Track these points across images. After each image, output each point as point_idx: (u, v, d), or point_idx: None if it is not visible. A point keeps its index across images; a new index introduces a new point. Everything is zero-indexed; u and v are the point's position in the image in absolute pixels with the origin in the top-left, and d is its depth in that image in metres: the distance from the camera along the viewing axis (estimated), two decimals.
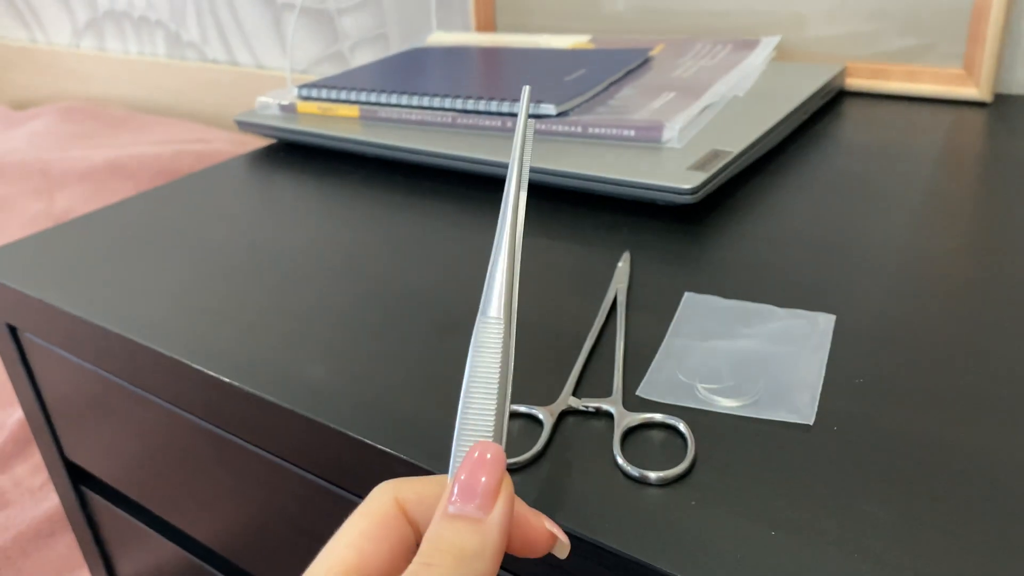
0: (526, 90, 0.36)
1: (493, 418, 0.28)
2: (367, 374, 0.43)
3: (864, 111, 0.73)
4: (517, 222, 0.32)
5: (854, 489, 0.33)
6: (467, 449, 0.27)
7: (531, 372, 0.41)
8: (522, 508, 0.28)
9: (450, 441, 0.29)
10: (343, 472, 0.41)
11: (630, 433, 0.37)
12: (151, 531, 0.62)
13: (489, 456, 0.26)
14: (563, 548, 0.29)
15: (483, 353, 0.30)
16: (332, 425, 0.39)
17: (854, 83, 0.77)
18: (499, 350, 0.30)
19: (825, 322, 0.43)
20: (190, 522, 0.57)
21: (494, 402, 0.29)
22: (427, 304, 0.48)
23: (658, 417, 0.37)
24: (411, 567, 0.24)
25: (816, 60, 0.80)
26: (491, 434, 0.28)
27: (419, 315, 0.47)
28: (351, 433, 0.39)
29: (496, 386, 0.29)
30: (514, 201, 0.32)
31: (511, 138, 0.64)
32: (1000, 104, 0.72)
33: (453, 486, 0.26)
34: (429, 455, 0.37)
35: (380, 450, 0.38)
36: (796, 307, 0.45)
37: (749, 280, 0.48)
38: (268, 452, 0.46)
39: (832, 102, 0.77)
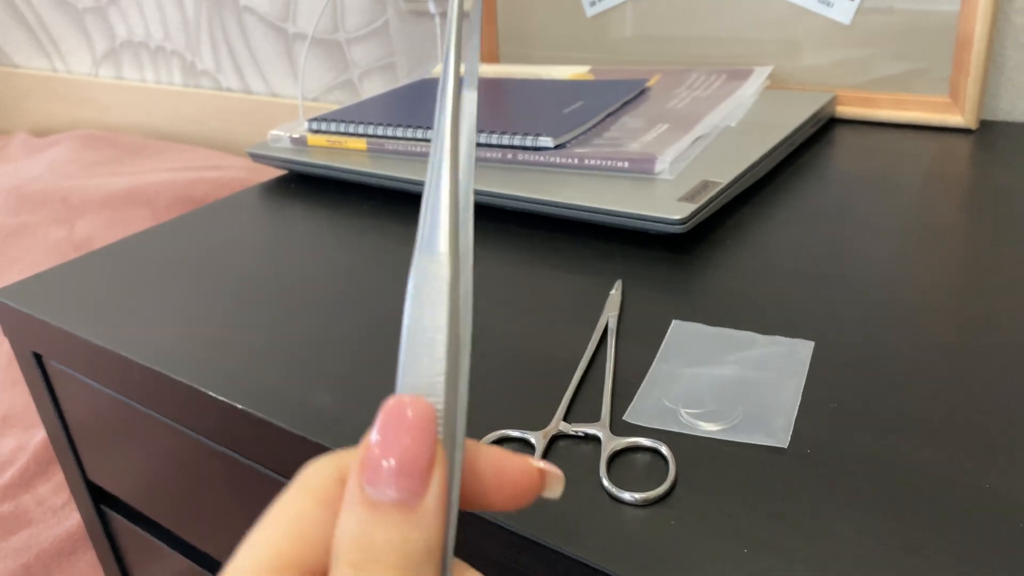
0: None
1: (444, 381, 0.21)
2: (374, 402, 0.45)
3: (853, 139, 0.76)
4: (460, 131, 0.24)
5: (824, 510, 0.35)
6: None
7: (525, 397, 0.44)
8: (491, 454, 0.22)
9: None
10: None
11: (616, 456, 0.40)
12: (169, 549, 0.64)
13: (410, 414, 0.19)
14: (556, 483, 0.23)
15: (426, 299, 0.21)
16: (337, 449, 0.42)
17: (844, 111, 0.80)
18: (446, 293, 0.21)
19: (803, 349, 0.46)
20: (206, 540, 0.60)
21: (443, 362, 0.21)
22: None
23: (643, 441, 0.40)
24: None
25: (809, 88, 0.83)
26: (440, 403, 0.21)
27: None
28: None
29: (445, 342, 0.21)
30: (452, 103, 0.24)
31: (511, 170, 0.67)
32: (985, 131, 0.75)
33: (370, 457, 0.19)
34: None
35: None
36: (777, 334, 0.47)
37: (734, 308, 0.50)
38: (279, 475, 0.49)
39: (823, 129, 0.79)
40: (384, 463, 0.18)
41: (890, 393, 0.42)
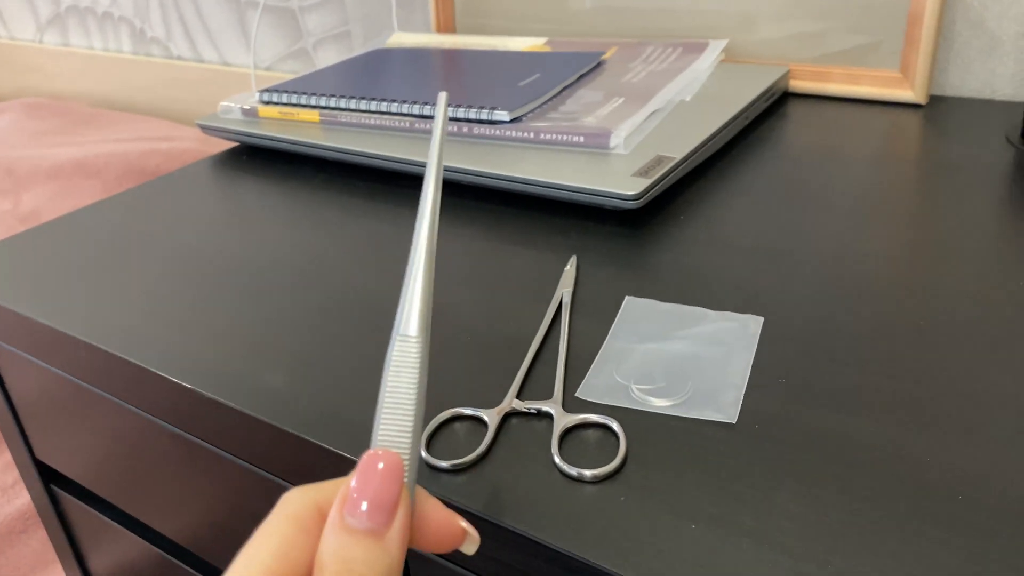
0: (442, 97, 0.37)
1: (410, 438, 0.28)
2: (329, 382, 0.45)
3: (806, 113, 0.77)
4: (434, 234, 0.32)
5: (770, 484, 0.36)
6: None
7: (479, 375, 0.44)
8: (432, 505, 0.28)
9: None
10: (307, 477, 0.44)
11: (568, 433, 0.40)
12: (122, 528, 0.64)
13: (382, 466, 0.25)
14: (472, 543, 0.29)
15: (401, 372, 0.29)
16: (294, 431, 0.42)
17: (798, 85, 0.81)
18: (417, 369, 0.29)
19: (754, 324, 0.46)
20: (160, 520, 0.60)
21: (411, 422, 0.28)
22: (387, 312, 0.51)
23: (594, 417, 0.40)
24: None
25: (763, 61, 0.83)
26: (407, 455, 0.27)
27: (380, 323, 0.50)
28: (313, 439, 0.41)
29: (413, 407, 0.28)
30: (431, 215, 0.33)
31: (467, 143, 0.67)
32: (934, 106, 0.76)
33: (351, 495, 0.24)
34: None
35: (341, 455, 0.40)
36: (729, 310, 0.48)
37: (687, 283, 0.51)
38: (234, 456, 0.48)
39: (776, 103, 0.80)
40: (361, 502, 0.24)
41: (838, 368, 0.42)
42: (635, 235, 0.57)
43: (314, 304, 0.52)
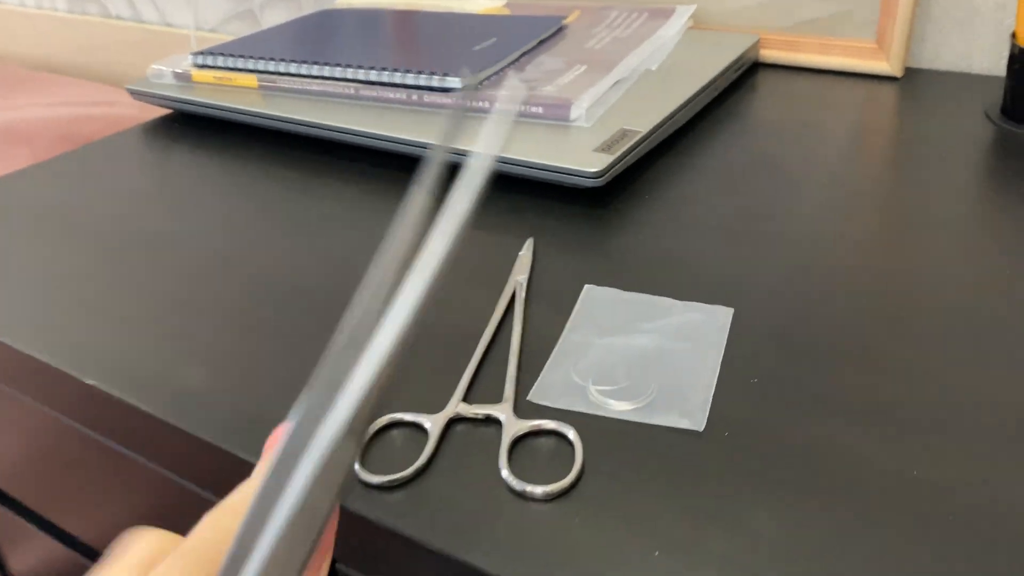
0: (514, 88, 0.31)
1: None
2: (253, 381, 0.40)
3: (777, 85, 0.73)
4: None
5: (742, 502, 0.32)
6: None
7: (421, 374, 0.40)
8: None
9: None
10: (228, 488, 0.39)
11: (519, 442, 0.36)
12: (38, 531, 0.59)
13: None
14: None
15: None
16: (212, 440, 0.37)
17: (768, 55, 0.76)
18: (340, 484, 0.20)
19: (723, 316, 0.42)
20: (75, 522, 0.55)
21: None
22: (322, 300, 0.46)
23: (547, 424, 0.36)
24: None
25: (732, 29, 0.79)
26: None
27: (313, 312, 0.45)
28: (232, 450, 0.37)
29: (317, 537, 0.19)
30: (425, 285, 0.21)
31: (418, 112, 0.62)
32: (910, 78, 0.72)
33: None
34: None
35: None
36: (696, 299, 0.44)
37: (651, 270, 0.47)
38: (150, 461, 0.44)
39: (746, 74, 0.75)
40: None
41: (813, 366, 0.39)
42: (597, 216, 0.53)
43: (242, 291, 0.47)
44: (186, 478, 0.42)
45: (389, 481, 0.34)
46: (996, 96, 0.66)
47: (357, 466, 0.35)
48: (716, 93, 0.68)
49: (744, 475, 0.33)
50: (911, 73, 0.74)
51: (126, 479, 0.47)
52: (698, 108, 0.65)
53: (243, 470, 0.37)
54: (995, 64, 0.72)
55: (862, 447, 0.34)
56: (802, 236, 0.49)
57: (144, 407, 0.39)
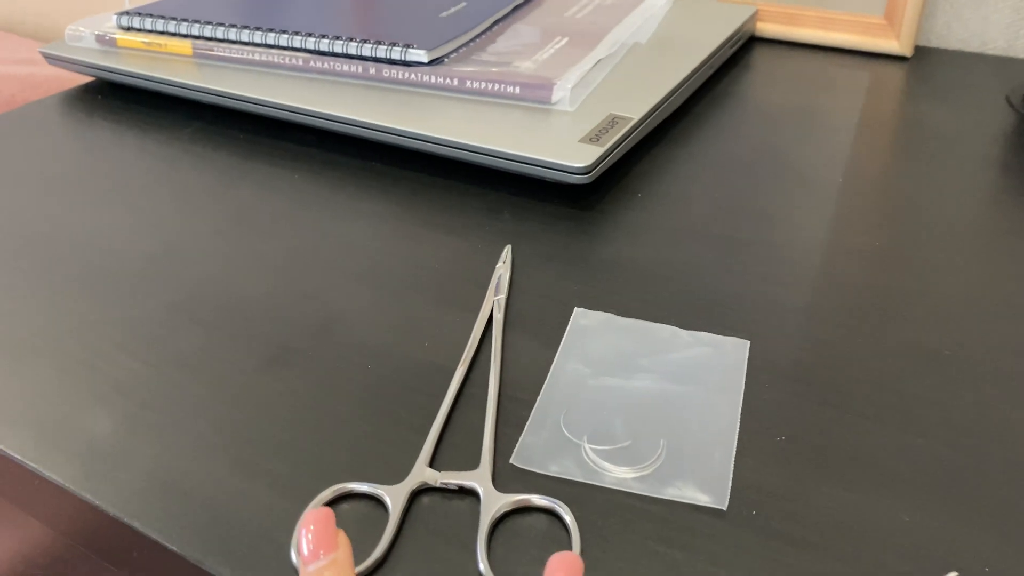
0: None
1: None
2: (166, 428, 0.33)
3: (775, 63, 0.66)
4: None
5: None
6: None
7: (379, 428, 0.33)
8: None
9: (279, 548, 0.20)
10: (134, 567, 0.32)
11: (501, 523, 0.29)
12: None
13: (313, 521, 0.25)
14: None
15: None
16: (110, 511, 0.30)
17: (765, 29, 0.69)
18: None
19: (738, 351, 0.36)
20: None
21: None
22: (257, 318, 0.39)
23: (535, 500, 0.29)
24: None
25: (728, 0, 0.71)
26: None
27: (246, 335, 0.38)
28: (139, 527, 0.29)
29: None
30: None
31: (375, 89, 0.54)
32: (920, 58, 0.66)
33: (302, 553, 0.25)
34: (245, 567, 0.28)
35: (182, 558, 0.29)
36: (703, 324, 0.37)
37: (648, 286, 0.40)
38: (44, 524, 0.36)
39: (742, 50, 0.68)
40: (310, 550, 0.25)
41: (852, 413, 0.32)
42: (583, 218, 0.46)
43: (166, 307, 0.39)
44: (85, 546, 0.34)
45: None
46: (1019, 81, 0.60)
47: (296, 559, 0.28)
48: (711, 72, 0.61)
49: (778, 569, 0.27)
50: (921, 52, 0.67)
51: (18, 539, 0.39)
52: (693, 89, 0.58)
53: (144, 544, 0.29)
54: (1011, 43, 0.66)
55: (929, 531, 0.28)
56: (813, 246, 0.43)
57: (33, 464, 0.32)
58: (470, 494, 0.30)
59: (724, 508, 0.29)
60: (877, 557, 0.27)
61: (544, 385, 0.34)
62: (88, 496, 0.30)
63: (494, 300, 0.39)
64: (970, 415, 0.32)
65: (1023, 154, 0.51)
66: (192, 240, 0.45)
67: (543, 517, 0.29)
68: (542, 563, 0.27)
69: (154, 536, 0.29)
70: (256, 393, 0.34)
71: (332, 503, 0.30)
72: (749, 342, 0.36)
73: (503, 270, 0.41)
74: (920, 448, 0.31)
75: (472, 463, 0.31)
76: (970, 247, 0.42)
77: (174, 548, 0.28)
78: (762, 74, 0.64)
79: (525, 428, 0.32)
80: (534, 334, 0.37)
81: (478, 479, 0.30)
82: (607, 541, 0.28)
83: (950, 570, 0.27)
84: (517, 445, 0.31)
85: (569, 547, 0.28)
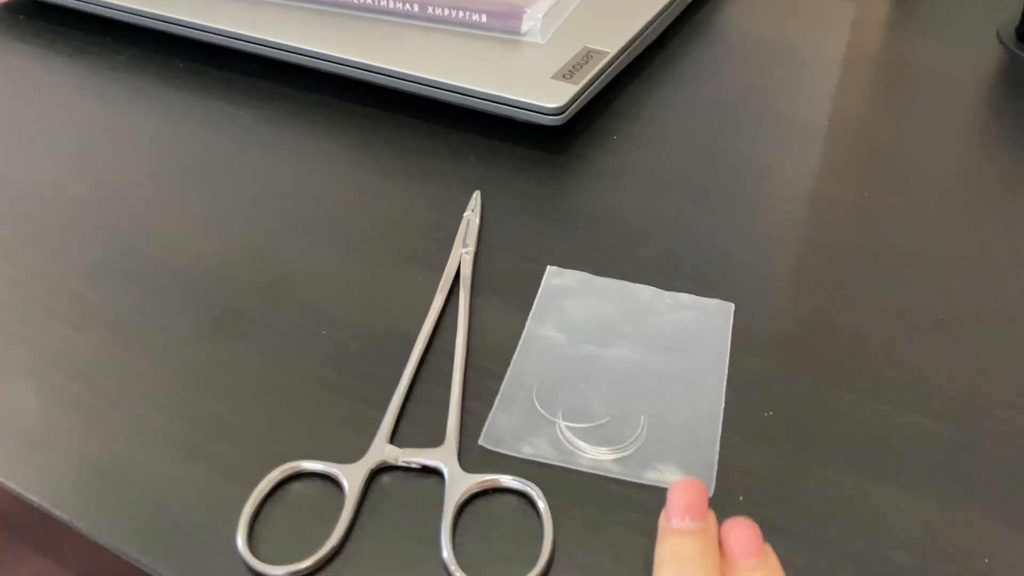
0: None
1: None
2: (98, 405, 0.30)
3: None
4: None
5: None
6: None
7: (334, 401, 0.30)
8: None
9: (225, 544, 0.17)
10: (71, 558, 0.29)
11: (467, 506, 0.27)
12: None
13: (691, 486, 0.25)
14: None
15: None
16: (41, 503, 0.27)
17: None
18: None
19: (720, 314, 0.33)
20: None
21: None
22: (200, 277, 0.35)
23: (505, 481, 0.27)
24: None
25: None
26: None
27: (187, 296, 0.34)
28: (68, 519, 0.27)
29: None
30: None
31: (329, 15, 0.50)
32: None
33: (672, 506, 0.24)
34: (188, 566, 0.25)
35: (118, 556, 0.26)
36: (684, 283, 0.35)
37: (625, 241, 0.37)
38: None
39: None
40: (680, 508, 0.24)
41: (843, 386, 0.30)
42: (556, 163, 0.43)
43: (99, 265, 0.36)
44: (7, 535, 0.31)
45: (291, 573, 0.25)
46: (1010, 15, 0.57)
47: (244, 547, 0.25)
48: (689, 1, 0.57)
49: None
50: None
51: None
52: (670, 20, 0.54)
53: (75, 538, 0.26)
54: None
55: (926, 511, 0.26)
56: (800, 197, 0.40)
57: None
58: (434, 474, 0.28)
59: (710, 495, 0.27)
60: (873, 547, 0.25)
61: (515, 354, 0.31)
62: (11, 484, 0.27)
63: (461, 254, 0.36)
64: (968, 388, 0.31)
65: (1013, 93, 0.49)
66: (126, 185, 0.41)
67: (513, 500, 0.27)
68: (512, 552, 0.25)
69: (85, 530, 0.26)
70: (199, 364, 0.31)
71: (282, 484, 0.27)
72: (734, 305, 0.34)
73: (472, 217, 0.38)
74: (916, 426, 0.29)
75: (436, 440, 0.28)
76: (962, 198, 0.40)
77: (108, 544, 0.26)
78: (739, 4, 0.60)
79: (495, 404, 0.30)
80: (504, 295, 0.34)
81: (443, 457, 0.28)
82: (584, 532, 0.26)
83: (950, 561, 0.25)
84: (486, 424, 0.29)
85: (540, 535, 0.26)
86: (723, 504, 0.27)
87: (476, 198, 0.39)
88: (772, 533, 0.26)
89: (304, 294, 0.34)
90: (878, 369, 0.31)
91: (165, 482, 0.27)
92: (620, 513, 0.26)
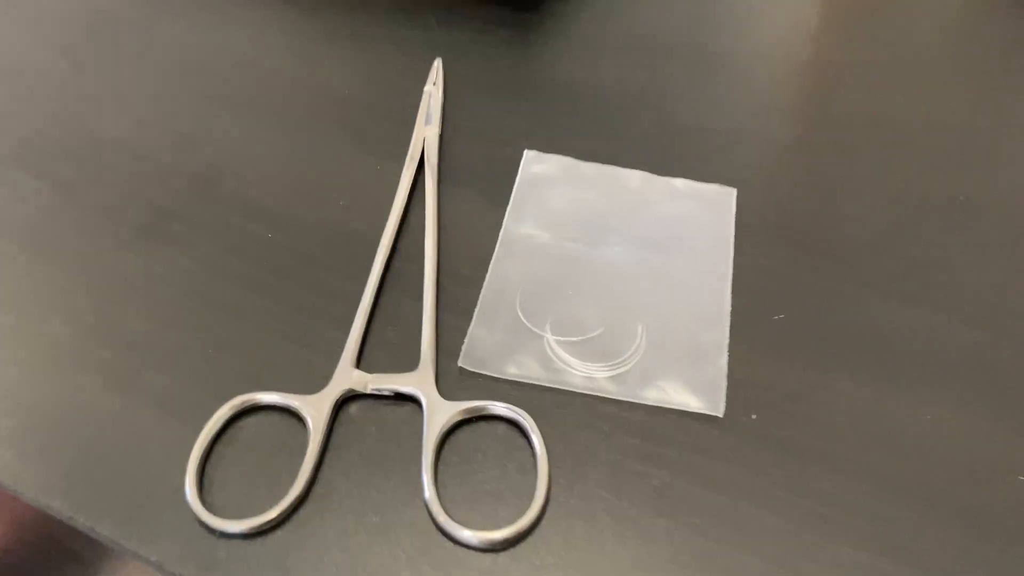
0: None
1: None
2: (10, 333, 0.26)
3: None
4: None
5: (787, 544, 0.22)
6: None
7: (288, 325, 0.26)
8: None
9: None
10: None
11: (450, 435, 0.24)
12: None
13: None
14: None
15: None
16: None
17: None
18: None
19: (721, 202, 0.30)
20: None
21: None
22: (120, 169, 0.30)
23: (493, 407, 0.24)
24: None
25: None
26: None
27: (107, 193, 0.29)
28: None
29: None
30: None
31: None
32: None
33: None
34: (130, 524, 0.22)
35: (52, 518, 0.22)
36: (678, 164, 0.31)
37: (609, 117, 0.33)
38: None
39: None
40: None
41: (855, 282, 0.27)
42: (527, 23, 0.37)
43: (60, 188, 0.31)
44: None
45: (249, 529, 0.22)
46: None
47: (193, 497, 0.22)
48: None
49: (792, 498, 0.23)
50: None
51: None
52: None
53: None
54: None
55: (956, 423, 0.24)
56: (799, 59, 0.36)
57: None
58: (410, 401, 0.24)
59: (720, 415, 0.24)
60: (899, 466, 0.23)
61: (493, 259, 0.28)
62: None
63: (424, 137, 0.31)
64: (993, 282, 0.28)
65: None
66: (29, 61, 0.35)
67: (500, 427, 0.24)
68: (501, 490, 0.22)
69: (3, 481, 0.22)
70: (126, 277, 0.27)
71: (234, 420, 0.24)
72: (736, 191, 0.30)
73: (434, 92, 0.33)
74: (937, 328, 0.26)
75: (409, 362, 0.25)
76: (986, 64, 0.36)
77: (33, 499, 0.22)
78: None
79: (474, 318, 0.26)
80: (476, 185, 0.30)
81: (418, 383, 0.24)
82: (579, 461, 0.23)
83: (981, 482, 0.23)
84: (465, 341, 0.25)
85: (533, 468, 0.23)
86: (734, 426, 0.24)
87: (437, 68, 0.34)
88: (786, 456, 0.23)
89: (243, 189, 0.30)
90: (892, 262, 0.28)
91: (96, 421, 0.23)
92: (619, 438, 0.24)
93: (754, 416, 0.24)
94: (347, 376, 0.24)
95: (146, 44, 0.35)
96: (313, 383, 0.24)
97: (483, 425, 0.24)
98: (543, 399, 0.24)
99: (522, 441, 0.24)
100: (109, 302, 0.26)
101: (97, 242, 0.28)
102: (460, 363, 0.25)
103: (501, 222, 0.29)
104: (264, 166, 0.30)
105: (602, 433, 0.24)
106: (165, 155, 0.31)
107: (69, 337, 0.25)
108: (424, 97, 0.33)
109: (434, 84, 0.34)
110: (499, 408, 0.24)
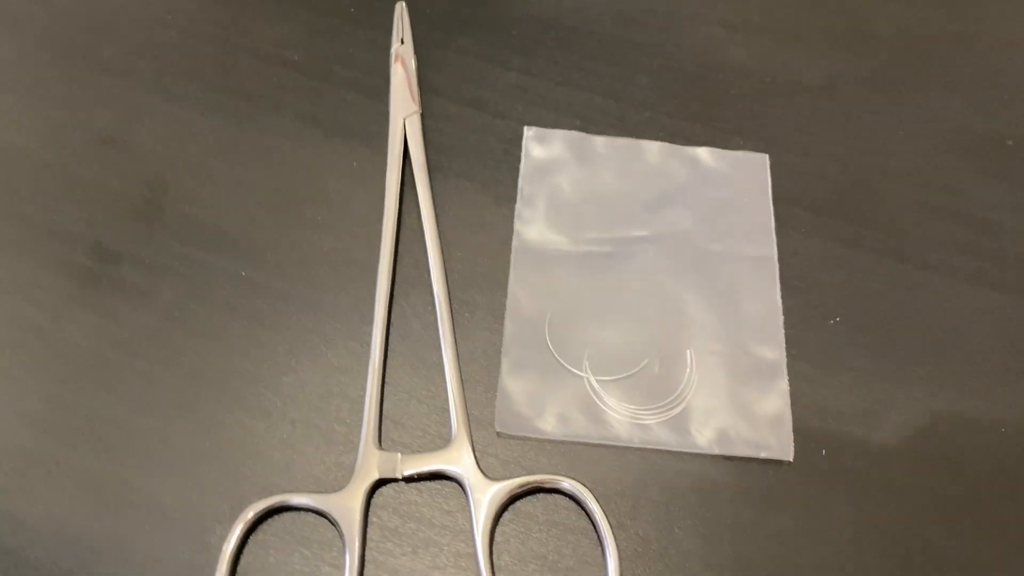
0: None
1: None
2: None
3: None
4: None
5: None
6: None
7: (290, 397, 0.22)
8: None
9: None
10: None
11: (502, 514, 0.21)
12: None
13: None
14: None
15: None
16: None
17: None
18: None
19: (754, 174, 0.26)
20: None
21: None
22: (42, 193, 0.25)
23: (543, 481, 0.21)
24: None
25: None
26: None
27: (36, 224, 0.24)
28: None
29: None
30: None
31: None
32: None
33: None
34: None
35: None
36: (698, 122, 0.27)
37: (614, 64, 0.28)
38: None
39: None
40: None
41: (913, 262, 0.25)
42: None
43: None
44: None
45: None
46: None
47: None
48: None
49: (871, 532, 0.21)
50: None
51: None
52: None
53: None
54: None
55: None
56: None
57: None
58: (448, 482, 0.21)
59: (790, 459, 0.22)
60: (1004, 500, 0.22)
61: (509, 279, 0.24)
62: None
63: (403, 120, 0.26)
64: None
65: None
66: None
67: (550, 497, 0.21)
68: (570, 567, 0.20)
69: None
70: (75, 342, 0.23)
71: (256, 526, 0.21)
72: (768, 157, 0.26)
73: (403, 52, 0.28)
74: (1003, 311, 0.24)
75: (439, 433, 0.22)
76: None
77: None
78: None
79: (501, 365, 0.23)
80: (474, 176, 0.26)
81: (456, 462, 0.21)
82: (643, 529, 0.21)
83: None
84: (497, 399, 0.22)
85: (596, 541, 0.21)
86: (803, 469, 0.22)
87: (401, 15, 0.28)
88: (854, 492, 0.21)
89: (196, 207, 0.25)
90: (948, 231, 0.25)
91: (71, 542, 0.20)
92: (682, 496, 0.21)
93: (824, 452, 0.22)
94: (370, 458, 0.21)
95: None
96: (332, 472, 0.21)
97: (533, 497, 0.21)
98: (592, 455, 0.22)
99: (573, 504, 0.21)
100: (64, 384, 0.22)
101: (39, 301, 0.23)
102: (497, 428, 0.22)
103: (508, 222, 0.25)
104: (210, 173, 0.25)
105: (660, 487, 0.21)
106: (84, 166, 0.25)
107: (25, 436, 0.21)
108: (392, 60, 0.28)
109: (401, 40, 0.28)
110: (549, 481, 0.21)
